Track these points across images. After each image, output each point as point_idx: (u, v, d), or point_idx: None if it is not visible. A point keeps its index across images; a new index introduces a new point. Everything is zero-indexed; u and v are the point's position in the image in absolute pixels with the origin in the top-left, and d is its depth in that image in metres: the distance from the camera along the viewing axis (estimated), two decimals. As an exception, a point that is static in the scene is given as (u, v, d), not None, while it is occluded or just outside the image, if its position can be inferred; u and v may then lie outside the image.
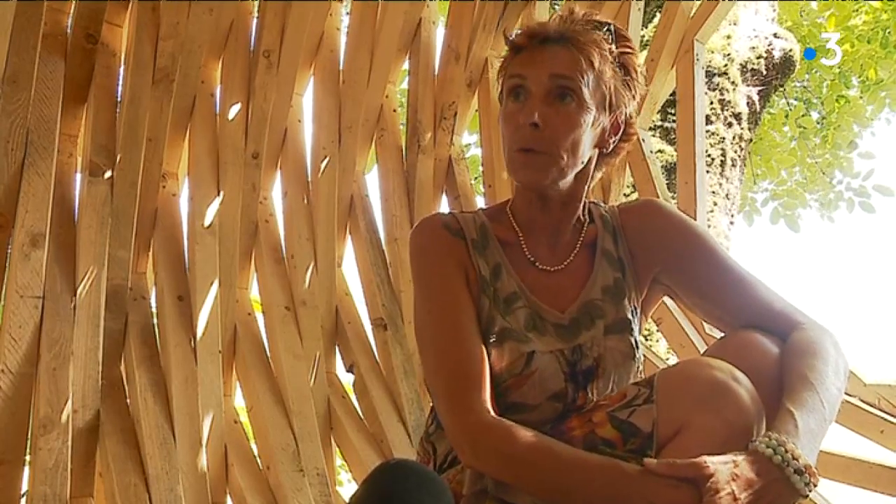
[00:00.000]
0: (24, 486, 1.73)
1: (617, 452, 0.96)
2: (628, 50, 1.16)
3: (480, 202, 2.84)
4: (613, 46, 1.13)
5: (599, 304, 1.13)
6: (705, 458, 0.90)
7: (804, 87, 6.74)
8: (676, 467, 0.91)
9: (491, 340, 1.09)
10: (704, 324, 2.23)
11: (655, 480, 0.92)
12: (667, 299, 2.22)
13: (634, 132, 1.21)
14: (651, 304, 1.23)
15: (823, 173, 6.60)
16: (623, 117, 1.17)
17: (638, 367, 1.15)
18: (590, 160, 1.16)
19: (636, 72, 1.17)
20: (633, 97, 1.17)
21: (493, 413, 1.02)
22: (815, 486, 0.92)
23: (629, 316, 1.14)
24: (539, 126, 1.07)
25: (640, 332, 1.18)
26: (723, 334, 1.18)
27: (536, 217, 1.17)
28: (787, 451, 0.91)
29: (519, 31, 1.15)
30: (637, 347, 1.14)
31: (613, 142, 1.17)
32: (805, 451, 0.92)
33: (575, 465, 0.96)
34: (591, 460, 0.96)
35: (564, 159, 1.09)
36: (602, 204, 1.25)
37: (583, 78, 1.09)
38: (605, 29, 1.14)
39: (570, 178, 1.13)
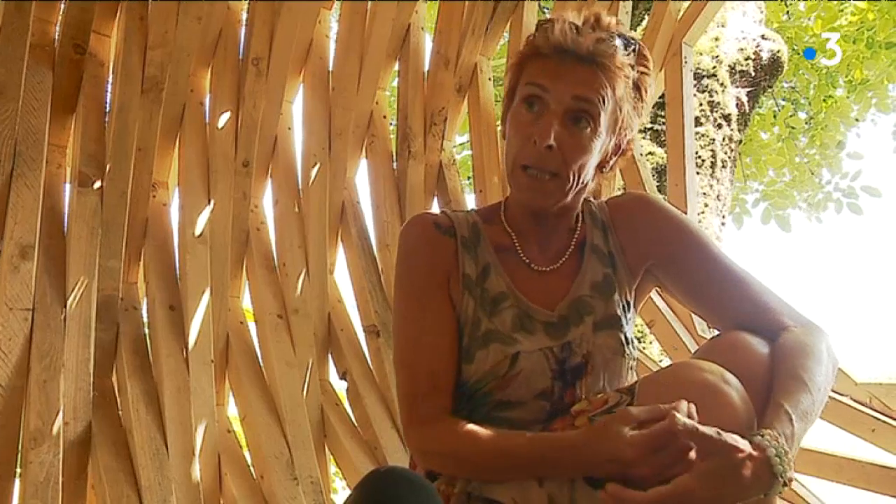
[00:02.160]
0: (15, 501, 1.72)
1: None
2: (645, 70, 1.13)
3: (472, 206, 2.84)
4: (635, 64, 1.10)
5: (588, 300, 1.13)
6: (724, 434, 0.88)
7: (792, 87, 6.78)
8: (698, 434, 0.88)
9: (475, 343, 1.10)
10: (697, 326, 2.24)
11: (602, 441, 0.92)
12: (660, 302, 2.25)
13: (631, 149, 1.19)
14: (642, 297, 1.23)
15: (812, 173, 6.64)
16: (626, 139, 1.16)
17: (630, 364, 1.14)
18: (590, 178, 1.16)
19: (646, 92, 1.15)
20: (639, 117, 1.16)
21: (444, 416, 1.06)
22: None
23: (619, 312, 1.13)
24: (553, 148, 1.05)
25: (631, 326, 1.17)
26: (714, 331, 1.18)
27: (530, 226, 1.17)
28: (787, 463, 0.90)
29: (546, 35, 1.08)
30: (628, 343, 1.13)
31: (613, 162, 1.17)
32: (793, 457, 0.93)
33: (520, 457, 1.00)
34: (525, 445, 0.99)
35: (570, 182, 1.09)
36: (592, 200, 1.24)
37: (603, 104, 1.07)
38: (631, 49, 1.10)
39: (570, 197, 1.13)
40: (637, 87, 1.12)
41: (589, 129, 1.07)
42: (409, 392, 1.09)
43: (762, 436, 0.91)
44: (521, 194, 1.11)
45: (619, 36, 1.09)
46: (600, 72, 1.06)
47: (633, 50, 1.10)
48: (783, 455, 0.90)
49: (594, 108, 1.06)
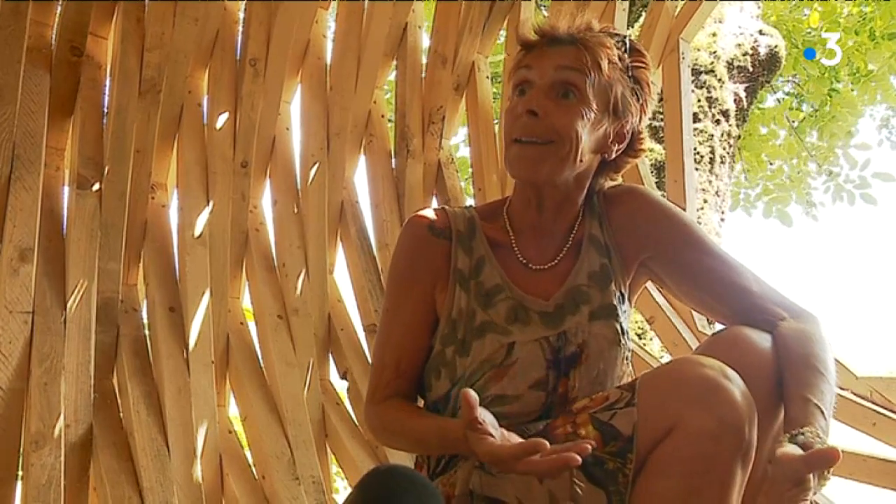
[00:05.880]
0: None
1: (596, 453, 0.97)
2: (641, 64, 1.15)
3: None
4: (627, 57, 1.13)
5: (585, 289, 1.13)
6: (797, 456, 0.89)
7: (794, 82, 6.76)
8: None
9: (470, 334, 1.12)
10: (697, 322, 2.24)
11: (474, 438, 0.95)
12: (659, 298, 2.25)
13: (643, 148, 1.20)
14: (636, 289, 1.24)
15: (819, 166, 6.62)
16: (630, 127, 1.15)
17: (625, 355, 1.15)
18: (590, 166, 1.15)
19: (648, 86, 1.16)
20: (643, 109, 1.16)
21: (394, 396, 1.16)
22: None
23: (615, 302, 1.14)
24: (537, 115, 1.08)
25: (627, 319, 1.18)
26: (714, 328, 1.19)
27: (531, 219, 1.17)
28: None
29: (530, 27, 1.15)
30: (623, 333, 1.14)
31: (617, 151, 1.16)
32: None
33: (417, 435, 1.11)
34: (427, 431, 1.09)
35: (561, 151, 1.08)
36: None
37: (588, 75, 1.08)
38: (618, 39, 1.13)
39: (567, 175, 1.12)
40: (635, 78, 1.14)
41: (576, 100, 1.09)
42: (373, 380, 1.19)
43: (803, 434, 0.93)
44: (514, 168, 1.12)
45: (606, 31, 1.13)
46: (583, 49, 1.09)
47: (622, 40, 1.13)
48: None
49: (578, 78, 1.08)
